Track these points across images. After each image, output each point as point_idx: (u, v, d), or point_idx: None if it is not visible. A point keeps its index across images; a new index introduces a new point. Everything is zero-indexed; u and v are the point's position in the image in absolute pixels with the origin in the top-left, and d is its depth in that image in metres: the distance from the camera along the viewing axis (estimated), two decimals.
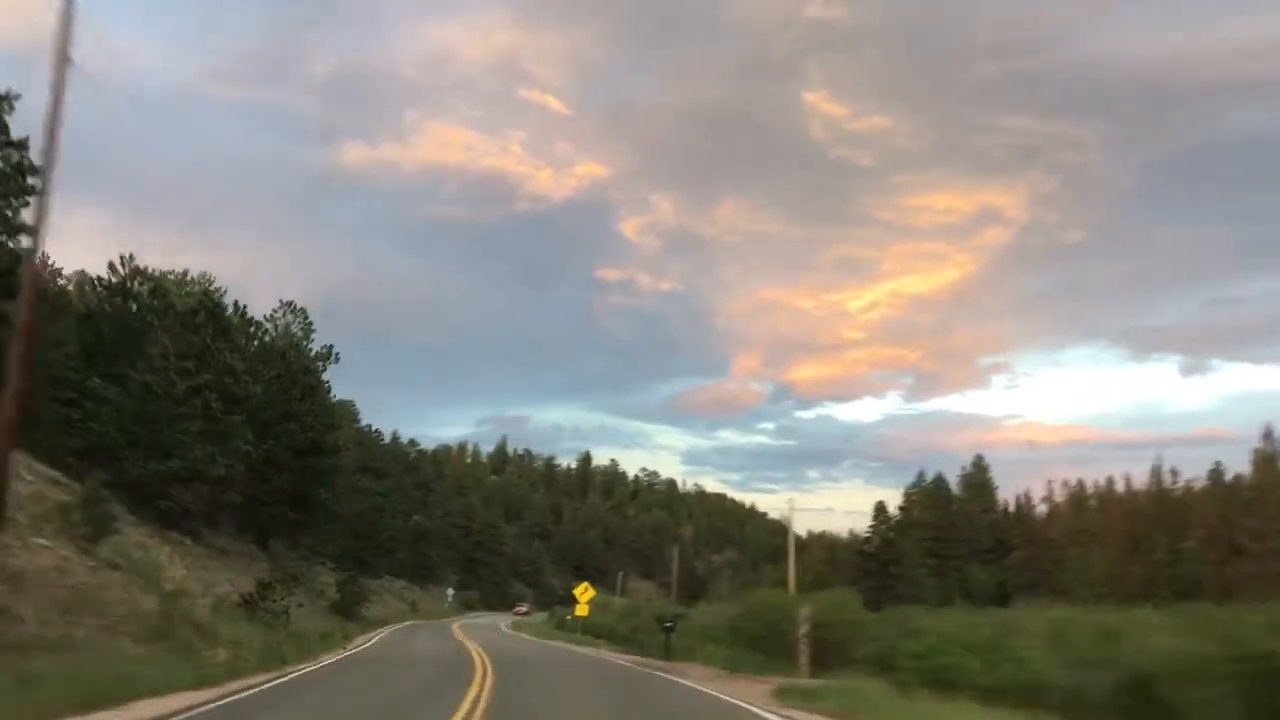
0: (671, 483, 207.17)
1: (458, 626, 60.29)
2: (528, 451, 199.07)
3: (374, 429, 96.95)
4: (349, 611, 46.86)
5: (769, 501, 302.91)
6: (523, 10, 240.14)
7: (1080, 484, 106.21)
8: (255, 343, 49.65)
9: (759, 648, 28.31)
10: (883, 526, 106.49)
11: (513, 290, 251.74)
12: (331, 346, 60.04)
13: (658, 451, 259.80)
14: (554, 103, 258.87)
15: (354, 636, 36.15)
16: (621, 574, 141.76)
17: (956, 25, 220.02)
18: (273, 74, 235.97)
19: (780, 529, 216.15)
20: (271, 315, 55.73)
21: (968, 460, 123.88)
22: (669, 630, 33.26)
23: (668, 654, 32.03)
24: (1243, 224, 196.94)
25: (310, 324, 57.75)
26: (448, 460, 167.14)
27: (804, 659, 25.47)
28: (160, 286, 38.96)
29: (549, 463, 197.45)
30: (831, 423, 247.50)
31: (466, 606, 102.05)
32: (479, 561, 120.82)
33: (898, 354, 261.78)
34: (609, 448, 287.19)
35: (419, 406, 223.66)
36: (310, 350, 57.54)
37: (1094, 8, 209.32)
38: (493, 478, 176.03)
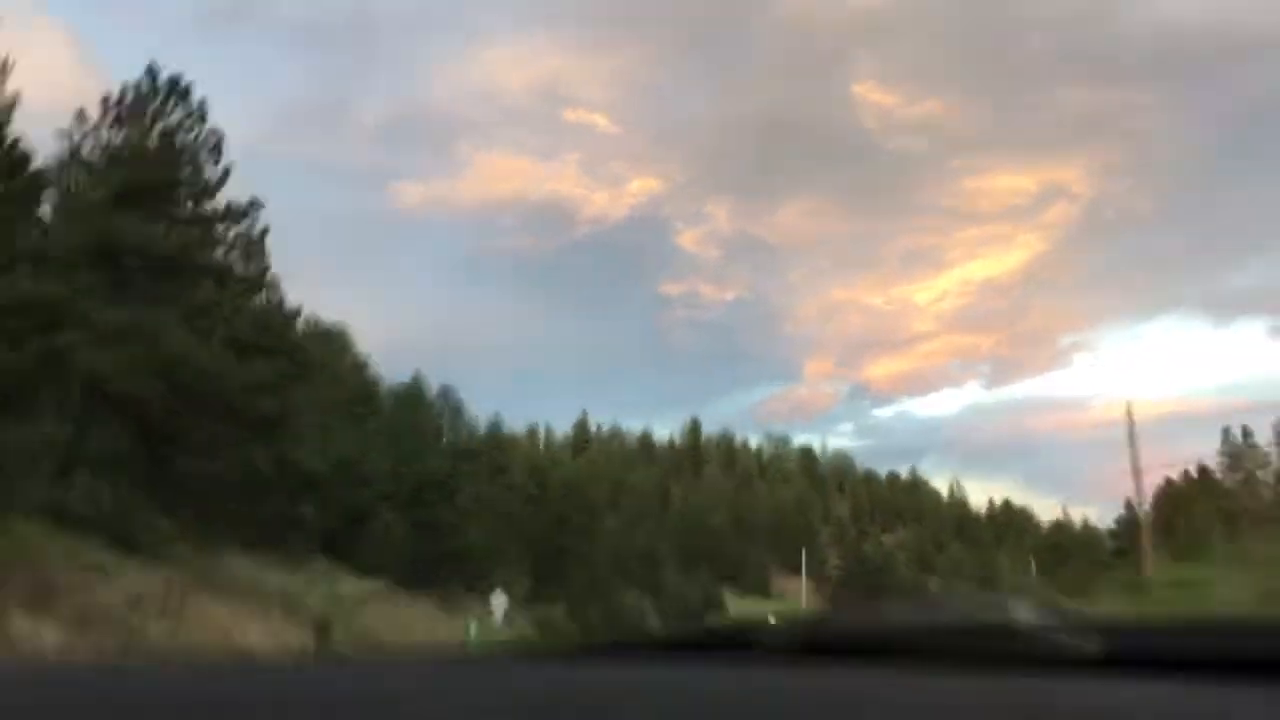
0: (807, 451, 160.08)
1: None
2: (616, 426, 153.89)
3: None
4: None
5: None
6: (563, 33, 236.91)
7: None
8: None
9: None
10: None
11: (578, 317, 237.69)
12: None
13: None
14: (603, 122, 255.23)
15: None
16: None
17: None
18: (324, 126, 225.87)
19: (958, 503, 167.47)
20: None
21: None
22: None
23: None
24: None
25: None
26: (513, 447, 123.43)
27: None
28: None
29: (644, 437, 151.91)
30: (910, 419, 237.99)
31: (544, 627, 59.17)
32: (562, 557, 75.06)
33: (973, 342, 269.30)
34: None
35: None
36: None
37: None
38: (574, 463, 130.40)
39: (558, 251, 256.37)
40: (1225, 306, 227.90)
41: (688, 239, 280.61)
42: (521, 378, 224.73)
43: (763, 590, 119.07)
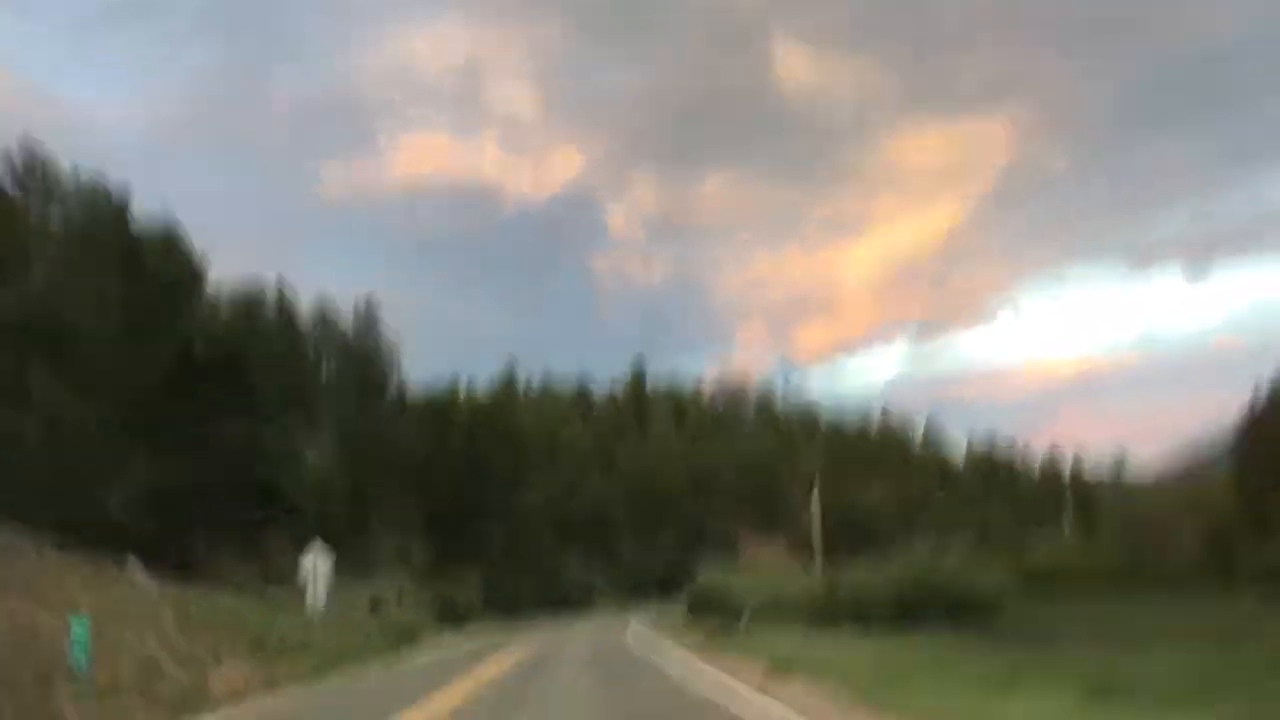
0: (768, 397, 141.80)
1: None
2: (547, 380, 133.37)
3: None
4: None
5: None
6: (480, 13, 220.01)
7: None
8: None
9: None
10: None
11: (506, 297, 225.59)
12: None
13: None
14: (523, 98, 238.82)
15: None
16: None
17: None
18: (238, 111, 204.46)
19: (943, 453, 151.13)
20: None
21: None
22: None
23: None
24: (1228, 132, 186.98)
25: None
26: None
27: None
28: None
29: (581, 389, 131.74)
30: (842, 379, 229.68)
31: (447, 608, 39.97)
32: (477, 522, 55.00)
33: (899, 304, 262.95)
34: None
35: None
36: None
37: None
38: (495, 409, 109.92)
39: (482, 233, 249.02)
40: (1143, 255, 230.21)
41: (615, 214, 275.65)
42: (449, 361, 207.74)
43: (730, 554, 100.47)
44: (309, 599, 22.05)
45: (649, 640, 19.69)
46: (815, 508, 53.82)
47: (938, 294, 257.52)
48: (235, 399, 28.79)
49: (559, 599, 58.63)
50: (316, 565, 22.40)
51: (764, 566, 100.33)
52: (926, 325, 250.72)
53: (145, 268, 31.16)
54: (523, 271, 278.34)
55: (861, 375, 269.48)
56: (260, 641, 19.13)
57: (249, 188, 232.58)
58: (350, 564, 43.47)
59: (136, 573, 21.94)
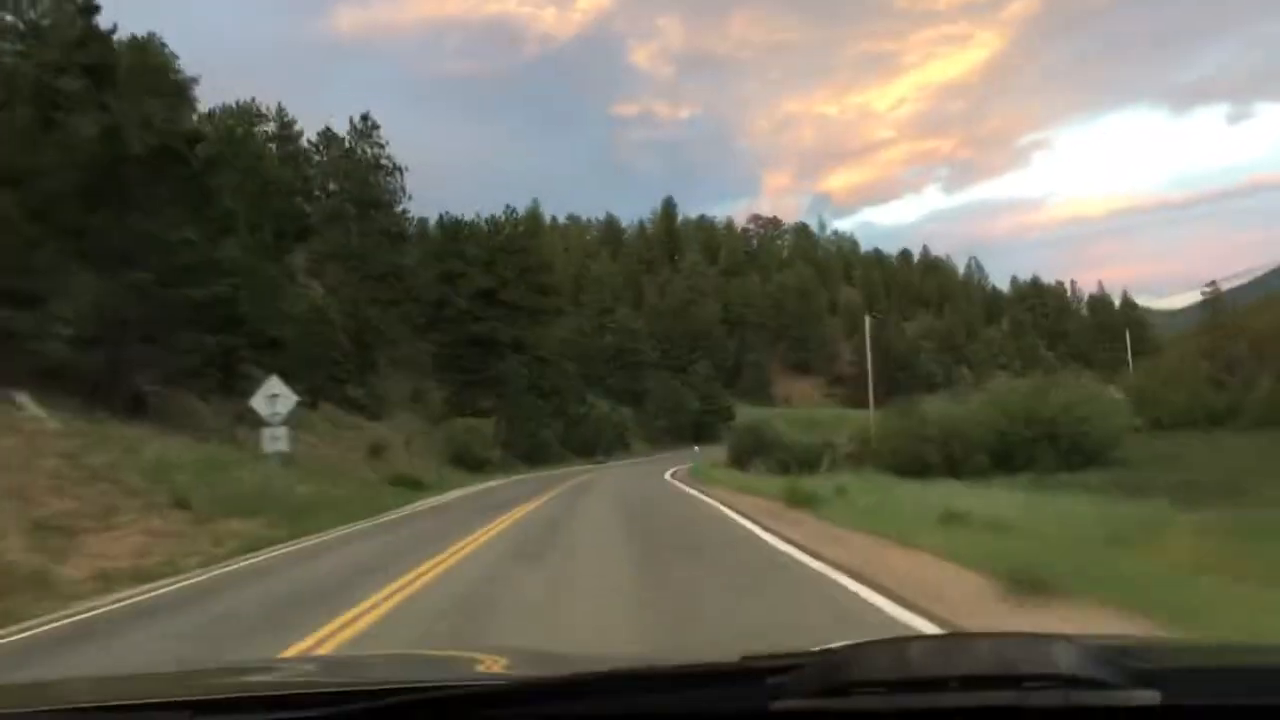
0: (804, 228, 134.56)
1: None
2: (573, 216, 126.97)
3: None
4: None
5: None
6: None
7: None
8: None
9: None
10: None
11: (530, 142, 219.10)
12: None
13: None
14: None
15: None
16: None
17: None
18: None
19: (983, 282, 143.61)
20: None
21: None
22: None
23: None
24: None
25: None
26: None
27: None
28: None
29: (610, 223, 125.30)
30: (871, 229, 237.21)
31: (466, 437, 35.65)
32: (495, 360, 49.95)
33: (932, 147, 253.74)
34: None
35: None
36: None
37: None
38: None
39: (507, 74, 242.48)
40: (1184, 96, 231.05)
41: (640, 56, 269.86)
42: (471, 201, 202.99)
43: (763, 395, 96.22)
44: (265, 444, 17.03)
45: (711, 510, 14.75)
46: (867, 334, 48.30)
47: (971, 135, 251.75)
48: (184, 203, 23.13)
49: (586, 444, 54.20)
50: (276, 405, 17.27)
51: (796, 403, 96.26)
52: (960, 167, 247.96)
53: (110, 64, 25.35)
54: (547, 115, 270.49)
55: (894, 220, 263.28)
56: (185, 498, 14.15)
57: (264, 23, 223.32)
58: (352, 407, 38.86)
59: (28, 407, 16.98)
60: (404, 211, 53.15)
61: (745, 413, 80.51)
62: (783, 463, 29.64)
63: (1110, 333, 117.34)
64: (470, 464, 37.26)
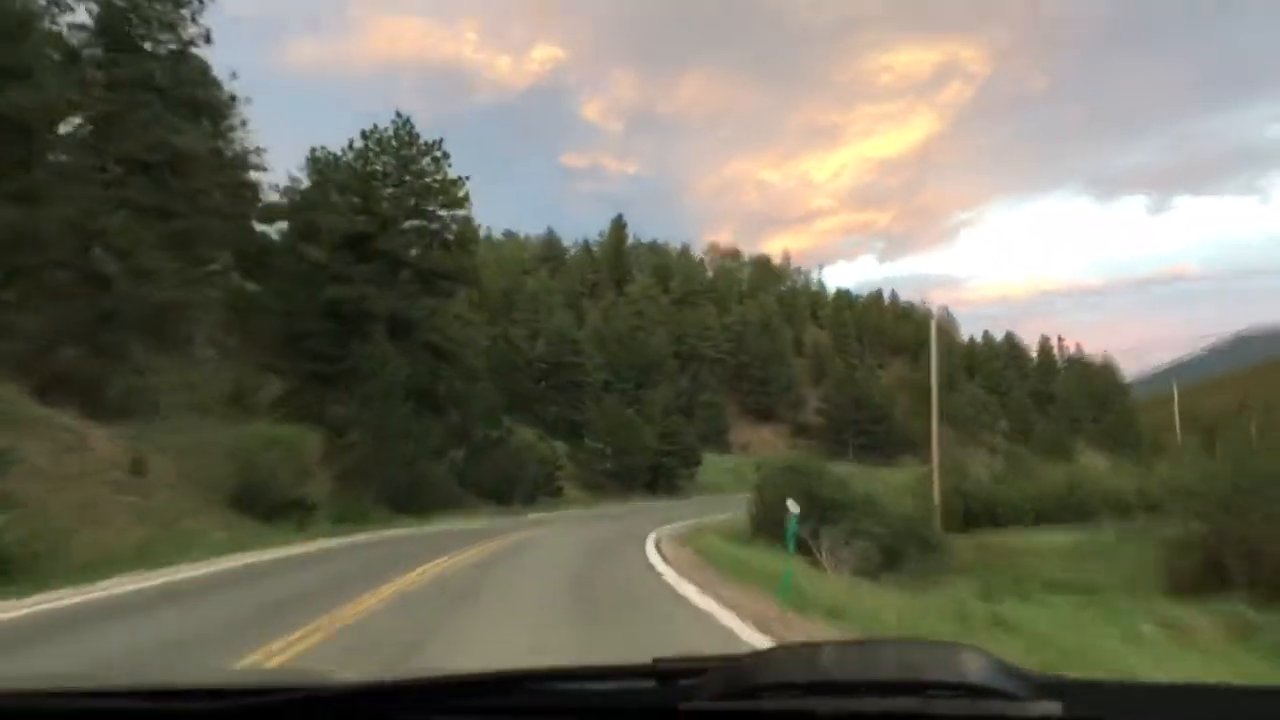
0: (765, 261, 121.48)
1: None
2: (510, 232, 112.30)
3: None
4: None
5: None
6: None
7: None
8: None
9: None
10: None
11: (477, 190, 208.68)
12: None
13: None
14: None
15: None
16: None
17: None
18: None
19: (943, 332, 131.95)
20: None
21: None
22: None
23: None
24: (1210, 58, 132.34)
25: None
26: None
27: None
28: None
29: (550, 239, 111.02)
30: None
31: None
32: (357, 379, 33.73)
33: (868, 219, 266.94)
34: None
35: None
36: None
37: None
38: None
39: (455, 118, 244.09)
40: (1109, 184, 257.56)
41: (591, 109, 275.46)
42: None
43: (719, 441, 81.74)
44: None
45: None
46: (933, 354, 34.74)
47: (906, 209, 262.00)
48: None
49: (499, 486, 39.01)
50: None
51: (754, 452, 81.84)
52: (894, 241, 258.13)
53: None
54: (495, 162, 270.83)
55: (830, 288, 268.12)
56: None
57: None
58: (108, 406, 23.20)
59: None
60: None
61: (706, 460, 66.00)
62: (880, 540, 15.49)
63: (1099, 399, 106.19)
64: (266, 509, 21.18)
